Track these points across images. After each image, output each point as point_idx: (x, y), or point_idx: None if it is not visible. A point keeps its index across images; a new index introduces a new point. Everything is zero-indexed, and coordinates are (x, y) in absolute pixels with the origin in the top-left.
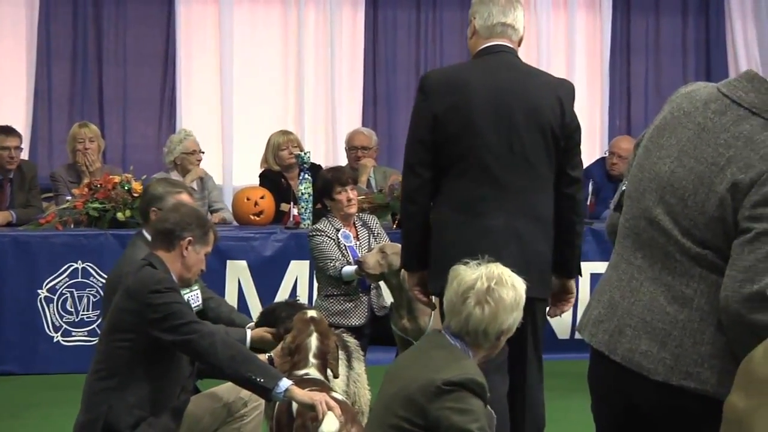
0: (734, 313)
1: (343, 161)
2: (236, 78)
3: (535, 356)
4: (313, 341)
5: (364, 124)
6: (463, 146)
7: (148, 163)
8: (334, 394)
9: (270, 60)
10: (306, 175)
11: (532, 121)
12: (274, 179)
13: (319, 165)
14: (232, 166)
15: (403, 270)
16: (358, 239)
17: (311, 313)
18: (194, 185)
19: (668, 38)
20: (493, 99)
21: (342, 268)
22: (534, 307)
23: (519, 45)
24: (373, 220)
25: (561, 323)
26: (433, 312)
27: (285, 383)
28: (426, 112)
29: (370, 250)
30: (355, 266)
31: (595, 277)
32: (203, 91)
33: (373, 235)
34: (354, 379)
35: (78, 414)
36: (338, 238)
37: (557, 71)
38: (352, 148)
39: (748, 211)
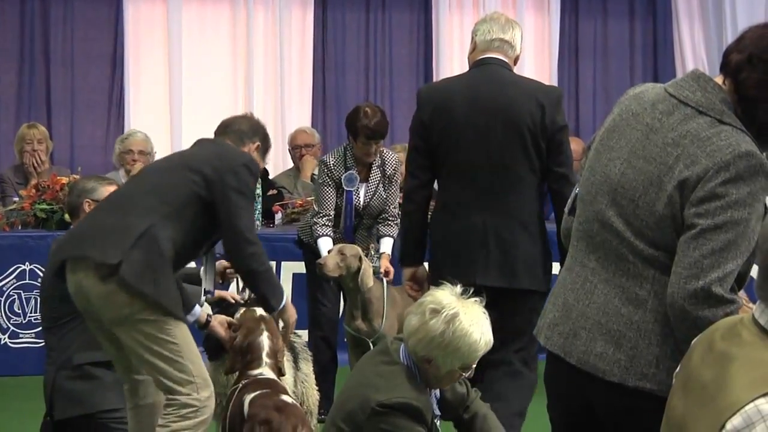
0: (680, 310)
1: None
2: (185, 78)
3: (526, 348)
4: (265, 340)
5: (313, 125)
6: (445, 151)
7: (96, 165)
8: (284, 397)
9: (219, 60)
10: None
11: (510, 127)
12: None
13: (266, 168)
14: None
15: (362, 272)
16: (367, 181)
17: (260, 311)
18: None
19: (616, 40)
20: (471, 107)
21: (319, 237)
22: (526, 299)
23: (515, 63)
24: (393, 158)
25: None
26: (385, 315)
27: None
28: (417, 121)
29: (375, 195)
30: (330, 241)
31: None
32: (152, 91)
33: (386, 176)
34: (302, 380)
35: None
36: (341, 180)
37: None
38: (295, 147)
39: (694, 207)
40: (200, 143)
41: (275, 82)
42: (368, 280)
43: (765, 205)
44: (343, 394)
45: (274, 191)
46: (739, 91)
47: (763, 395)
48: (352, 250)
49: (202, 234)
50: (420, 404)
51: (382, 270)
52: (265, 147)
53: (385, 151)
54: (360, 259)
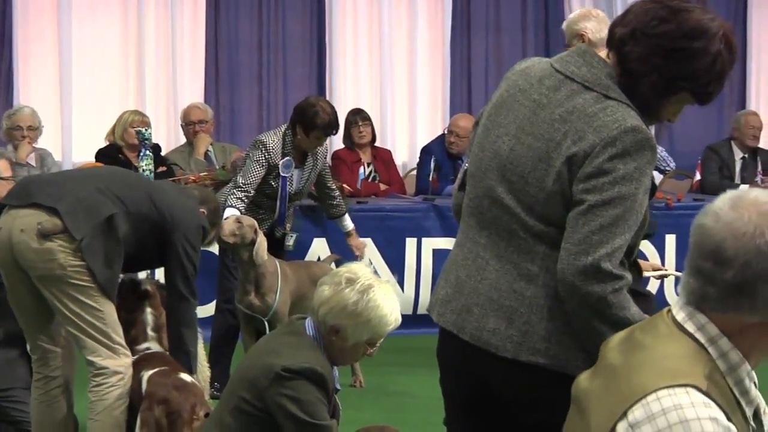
0: (570, 285)
1: (184, 138)
2: (75, 54)
3: None
4: (149, 315)
5: (206, 101)
6: None
7: None
8: (182, 375)
9: (110, 37)
10: (147, 152)
11: None
12: (112, 155)
13: (158, 145)
14: (72, 143)
15: (257, 244)
16: (301, 167)
17: (144, 286)
18: (32, 161)
19: (508, 17)
20: None
21: (228, 207)
22: None
23: None
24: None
25: (403, 299)
26: (279, 290)
27: None
28: None
29: (308, 181)
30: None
31: (437, 253)
32: (41, 66)
33: (317, 161)
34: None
35: None
36: (278, 164)
37: (399, 50)
38: (189, 123)
39: (582, 183)
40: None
41: (167, 58)
42: (263, 253)
43: (652, 178)
44: (243, 365)
45: (164, 168)
46: (622, 64)
47: (666, 387)
48: (249, 221)
49: (142, 254)
50: (324, 371)
51: (354, 244)
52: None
53: None
54: (255, 232)
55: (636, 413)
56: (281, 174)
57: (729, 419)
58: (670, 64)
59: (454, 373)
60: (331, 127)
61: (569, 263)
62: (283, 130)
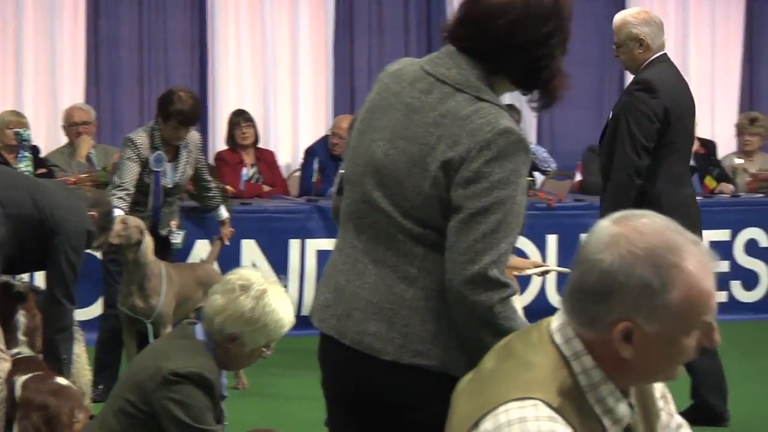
0: (457, 295)
1: (65, 139)
2: None
3: None
4: (20, 319)
5: (87, 101)
6: (675, 132)
7: None
8: (58, 379)
9: None
10: (25, 153)
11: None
12: None
13: (37, 146)
14: None
15: (143, 245)
16: (175, 161)
17: (17, 288)
18: None
19: (390, 17)
20: (687, 94)
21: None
22: None
23: None
24: (196, 137)
25: None
26: (164, 292)
27: None
28: (658, 106)
29: (183, 175)
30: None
31: (321, 254)
32: None
33: (191, 156)
34: (72, 360)
35: None
36: (149, 159)
37: (281, 51)
38: (71, 125)
39: (461, 189)
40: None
41: (46, 57)
42: (149, 253)
43: (532, 178)
44: (131, 368)
45: (44, 170)
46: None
47: (517, 399)
48: (135, 221)
49: (24, 256)
50: (212, 377)
51: (224, 233)
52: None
53: (190, 131)
54: (141, 232)
55: (486, 424)
56: (153, 169)
57: None
58: None
59: (337, 376)
60: (186, 116)
61: (456, 273)
62: (151, 125)
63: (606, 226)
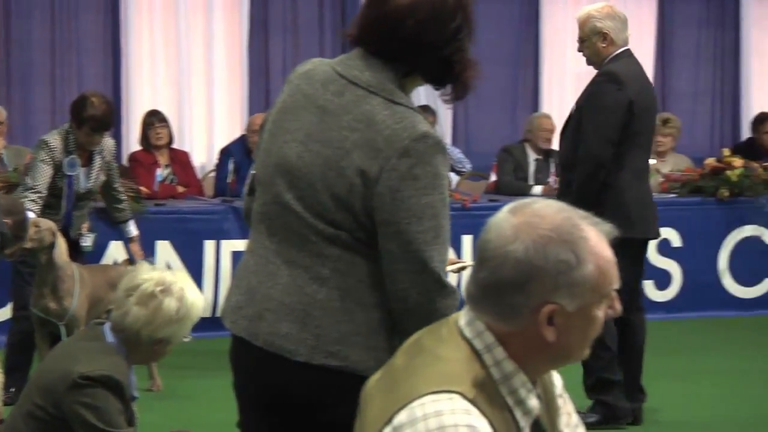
0: (414, 304)
1: None
2: None
3: None
4: None
5: None
6: (641, 125)
7: None
8: None
9: None
10: None
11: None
12: None
13: None
14: None
15: (56, 247)
16: (88, 166)
17: None
18: None
19: (305, 17)
20: (650, 88)
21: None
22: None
23: None
24: (110, 143)
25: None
26: (77, 294)
27: None
28: (624, 98)
29: (96, 180)
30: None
31: (236, 255)
32: None
33: (105, 162)
34: None
35: None
36: (63, 163)
37: (196, 50)
38: None
39: (387, 199)
40: None
41: None
42: (63, 255)
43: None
44: (41, 369)
45: None
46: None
47: (432, 393)
48: (47, 224)
49: None
50: (121, 379)
51: (135, 251)
52: None
53: (105, 138)
54: (54, 234)
55: (400, 417)
56: (66, 173)
57: (494, 427)
58: None
59: (249, 378)
60: (99, 122)
61: (411, 281)
62: (66, 128)
63: (504, 218)
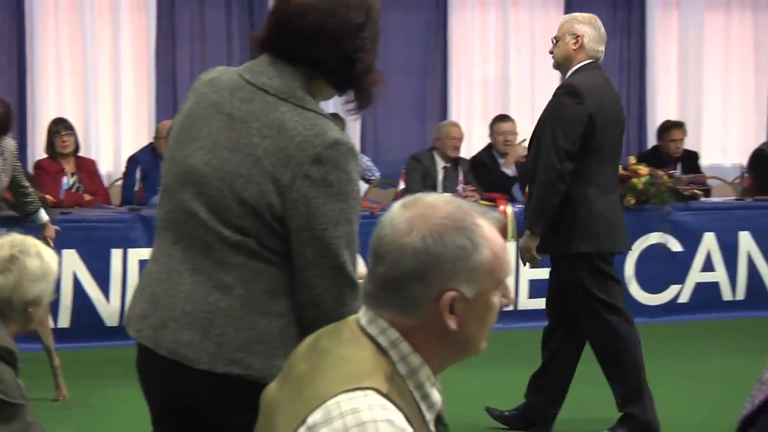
0: (328, 309)
1: None
2: None
3: None
4: None
5: None
6: (602, 138)
7: None
8: None
9: None
10: None
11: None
12: None
13: None
14: None
15: None
16: None
17: None
18: None
19: (213, 24)
20: (616, 102)
21: None
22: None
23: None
24: (11, 144)
25: (109, 311)
26: None
27: None
28: (583, 112)
29: (0, 183)
30: None
31: (143, 264)
32: None
33: (6, 162)
34: None
35: None
36: None
37: (102, 57)
38: None
39: (301, 206)
40: None
41: None
42: None
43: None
44: None
45: None
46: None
47: (346, 391)
48: None
49: None
50: (13, 347)
51: (48, 236)
52: None
53: (6, 139)
54: None
55: (315, 416)
56: None
57: (409, 421)
58: None
59: (155, 386)
60: None
61: (326, 287)
62: None
63: (398, 213)
